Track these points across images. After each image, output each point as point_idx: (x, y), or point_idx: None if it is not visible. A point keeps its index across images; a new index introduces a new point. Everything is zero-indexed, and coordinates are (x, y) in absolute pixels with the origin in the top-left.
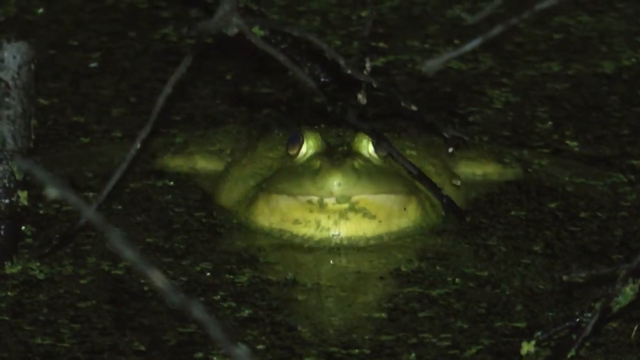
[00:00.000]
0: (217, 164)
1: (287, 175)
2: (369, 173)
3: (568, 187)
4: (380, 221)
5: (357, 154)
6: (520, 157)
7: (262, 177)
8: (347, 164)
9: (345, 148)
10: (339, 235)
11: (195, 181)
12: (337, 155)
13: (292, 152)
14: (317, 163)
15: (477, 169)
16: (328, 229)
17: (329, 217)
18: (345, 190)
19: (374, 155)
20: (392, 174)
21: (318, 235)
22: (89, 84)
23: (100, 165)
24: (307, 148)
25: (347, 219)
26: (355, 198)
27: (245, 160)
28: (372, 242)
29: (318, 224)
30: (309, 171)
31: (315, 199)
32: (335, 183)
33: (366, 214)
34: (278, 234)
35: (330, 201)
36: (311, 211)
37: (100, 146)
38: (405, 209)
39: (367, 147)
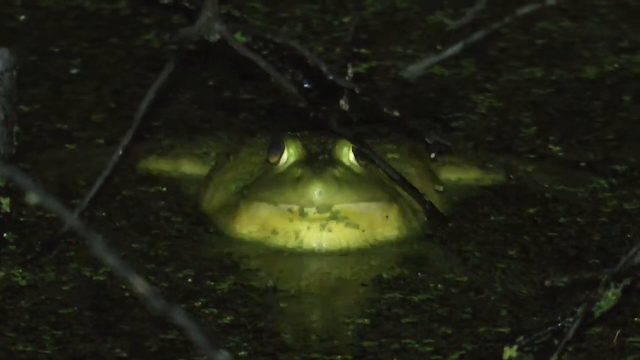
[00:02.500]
0: (203, 168)
1: (268, 184)
2: (350, 182)
3: (548, 193)
4: (363, 230)
5: (338, 163)
6: (504, 163)
7: (243, 184)
8: (328, 173)
9: (327, 156)
10: (321, 244)
11: (180, 186)
12: (318, 163)
13: (273, 160)
14: (299, 172)
15: (460, 175)
16: (309, 239)
17: (310, 226)
18: (327, 200)
19: (355, 163)
20: (373, 182)
21: (299, 244)
22: (70, 90)
23: (89, 172)
24: (288, 156)
25: (329, 229)
26: (336, 207)
27: (227, 166)
28: (354, 250)
29: (299, 232)
30: (290, 180)
31: (296, 208)
32: (317, 192)
33: (349, 223)
34: (259, 242)
35: (311, 210)
36: (292, 220)
37: (86, 152)
38: (387, 217)
39: (348, 156)
